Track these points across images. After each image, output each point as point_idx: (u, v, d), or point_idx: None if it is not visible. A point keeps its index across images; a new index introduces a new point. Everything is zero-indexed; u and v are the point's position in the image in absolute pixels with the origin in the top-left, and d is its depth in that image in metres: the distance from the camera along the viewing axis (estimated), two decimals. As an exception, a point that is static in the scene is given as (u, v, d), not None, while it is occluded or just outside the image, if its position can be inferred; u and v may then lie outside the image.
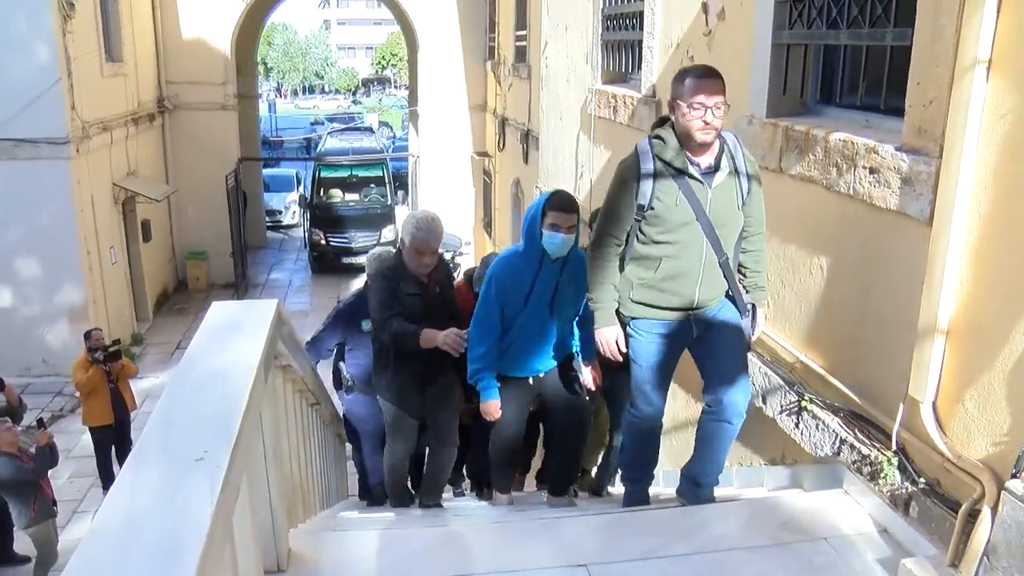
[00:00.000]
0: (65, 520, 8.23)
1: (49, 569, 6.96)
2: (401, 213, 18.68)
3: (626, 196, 3.13)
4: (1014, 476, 2.33)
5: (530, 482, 5.42)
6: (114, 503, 1.61)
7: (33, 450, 7.00)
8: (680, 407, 4.81)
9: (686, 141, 3.04)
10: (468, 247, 16.87)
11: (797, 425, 3.55)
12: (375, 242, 17.09)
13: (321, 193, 20.01)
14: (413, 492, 5.00)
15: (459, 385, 4.36)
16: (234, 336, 2.45)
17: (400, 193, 22.53)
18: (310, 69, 64.82)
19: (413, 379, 4.22)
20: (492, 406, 3.91)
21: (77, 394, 9.08)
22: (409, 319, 4.00)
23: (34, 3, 10.77)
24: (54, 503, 7.25)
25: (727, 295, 3.28)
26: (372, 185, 20.56)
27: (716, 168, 3.08)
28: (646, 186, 3.07)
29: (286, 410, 3.13)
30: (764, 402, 3.79)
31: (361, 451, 5.36)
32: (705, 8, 4.71)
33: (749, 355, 3.49)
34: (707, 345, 3.28)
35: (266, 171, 23.93)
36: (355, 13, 69.54)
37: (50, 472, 7.35)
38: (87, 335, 8.67)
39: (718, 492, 3.48)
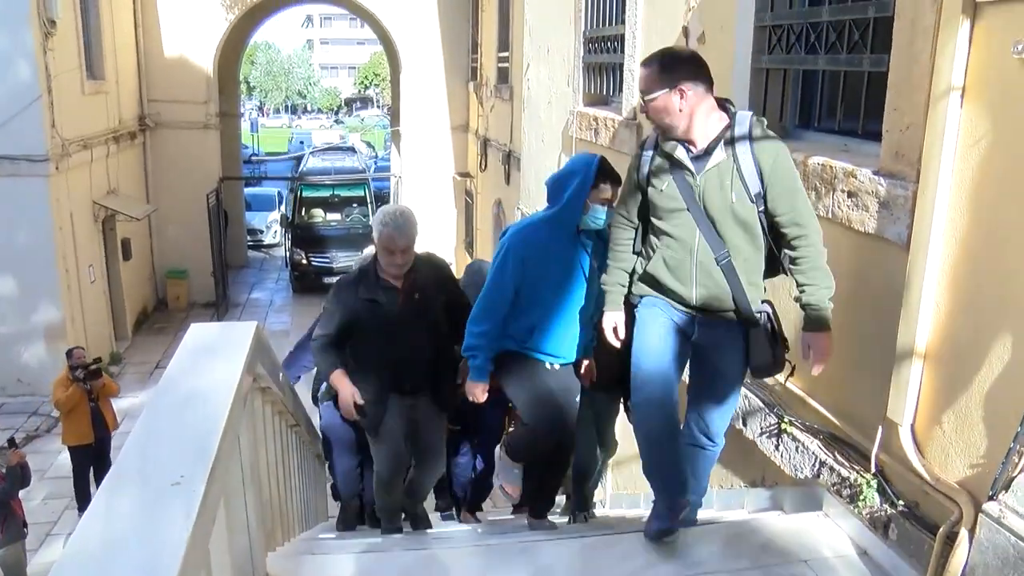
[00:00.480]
0: (38, 542, 8.10)
1: (19, 592, 6.85)
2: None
3: (632, 172, 3.04)
4: (991, 498, 2.35)
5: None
6: (89, 527, 1.59)
7: (3, 470, 6.90)
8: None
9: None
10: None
11: (777, 447, 3.56)
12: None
13: (302, 213, 19.96)
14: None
15: (448, 401, 4.12)
16: (213, 358, 2.43)
17: (382, 213, 22.50)
18: (293, 88, 64.89)
19: (382, 389, 3.94)
20: (478, 388, 3.55)
21: (55, 414, 8.96)
22: (367, 329, 3.82)
23: (15, 20, 10.70)
24: (24, 524, 7.13)
25: (737, 313, 2.90)
26: (354, 205, 20.57)
27: (708, 153, 2.81)
28: (645, 158, 2.97)
29: (265, 432, 3.10)
30: (744, 424, 3.80)
31: (334, 465, 5.17)
32: (686, 32, 4.76)
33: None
34: (700, 362, 3.09)
35: (248, 190, 23.92)
36: (338, 33, 69.77)
37: (23, 493, 7.24)
38: (69, 353, 8.61)
39: (698, 515, 3.44)
